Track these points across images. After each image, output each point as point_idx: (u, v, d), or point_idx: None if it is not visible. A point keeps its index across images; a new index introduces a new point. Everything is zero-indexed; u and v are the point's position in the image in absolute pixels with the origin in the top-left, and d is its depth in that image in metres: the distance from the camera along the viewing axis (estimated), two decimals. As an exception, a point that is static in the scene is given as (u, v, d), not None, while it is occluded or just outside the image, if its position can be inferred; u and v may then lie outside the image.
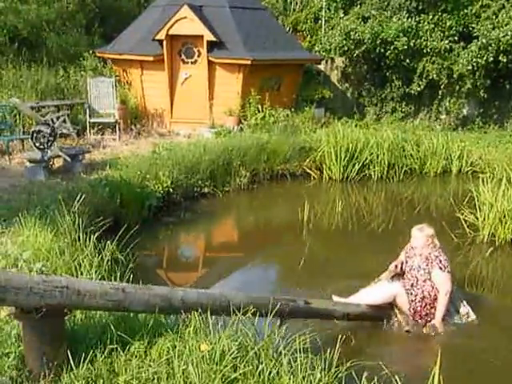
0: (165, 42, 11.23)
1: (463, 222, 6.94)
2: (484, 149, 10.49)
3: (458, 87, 12.25)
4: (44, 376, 2.94)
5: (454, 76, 11.93)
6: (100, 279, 4.15)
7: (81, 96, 11.32)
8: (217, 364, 3.00)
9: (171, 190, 7.52)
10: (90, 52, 12.47)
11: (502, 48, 11.15)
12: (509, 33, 10.96)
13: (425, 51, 12.04)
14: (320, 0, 14.50)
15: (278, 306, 3.83)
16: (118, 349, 3.11)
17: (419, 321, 4.69)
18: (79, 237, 4.87)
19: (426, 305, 4.66)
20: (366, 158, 9.69)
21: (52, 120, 8.13)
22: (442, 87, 12.43)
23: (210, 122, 11.24)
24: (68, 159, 8.13)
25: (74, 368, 2.97)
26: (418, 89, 12.47)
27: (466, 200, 7.59)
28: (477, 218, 6.97)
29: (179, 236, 7.30)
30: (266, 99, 11.03)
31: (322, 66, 13.90)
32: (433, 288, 4.64)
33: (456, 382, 3.80)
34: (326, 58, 13.55)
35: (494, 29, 11.33)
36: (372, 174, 9.80)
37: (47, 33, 13.06)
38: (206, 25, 11.14)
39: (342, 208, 8.00)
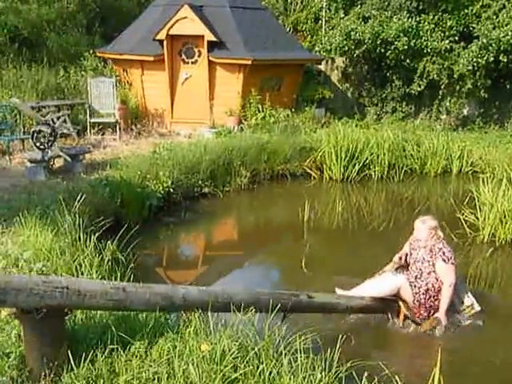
0: (165, 42, 11.23)
1: (463, 222, 6.93)
2: (484, 149, 10.48)
3: (458, 87, 12.24)
4: (44, 376, 2.94)
5: (455, 76, 11.92)
6: (101, 279, 4.15)
7: (81, 96, 11.33)
8: (217, 364, 3.00)
9: (172, 190, 7.52)
10: (91, 52, 12.47)
11: (502, 48, 11.14)
12: (509, 33, 10.96)
13: (425, 51, 12.03)
14: (320, 0, 14.50)
15: (281, 300, 3.83)
16: (119, 349, 3.11)
17: (423, 313, 4.68)
18: (80, 237, 4.87)
19: (430, 297, 4.64)
20: (367, 158, 9.69)
21: (52, 120, 8.14)
22: (442, 87, 12.42)
23: (210, 122, 11.25)
24: (68, 159, 8.13)
25: (74, 368, 2.97)
26: (419, 89, 12.46)
27: (467, 200, 7.59)
28: (477, 218, 6.97)
29: (180, 236, 7.30)
30: (266, 99, 11.03)
31: (322, 66, 13.91)
32: (437, 280, 4.62)
33: (456, 382, 3.80)
34: (327, 58, 13.55)
35: (494, 29, 11.32)
36: (372, 174, 9.80)
37: (48, 33, 13.08)
38: (207, 25, 11.14)
39: (343, 208, 8.01)
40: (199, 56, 11.53)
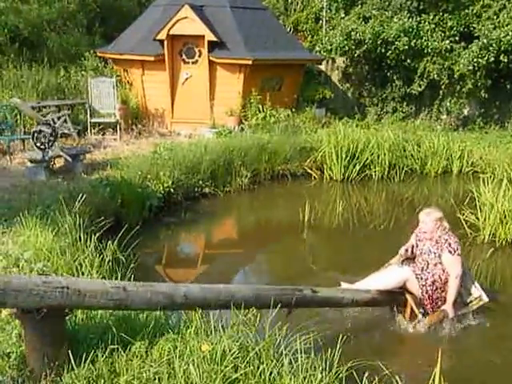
0: (166, 42, 11.23)
1: (464, 223, 6.93)
2: (485, 149, 10.48)
3: (458, 87, 12.25)
4: (45, 376, 2.94)
5: (455, 76, 11.93)
6: (101, 279, 4.15)
7: (82, 96, 11.32)
8: (218, 364, 3.00)
9: (172, 190, 7.52)
10: (91, 52, 12.46)
11: (502, 48, 11.13)
12: (510, 33, 10.95)
13: (426, 51, 12.02)
14: (321, 0, 14.49)
15: (284, 296, 3.81)
16: (119, 349, 3.11)
17: (431, 305, 4.66)
18: (80, 237, 4.87)
19: (436, 288, 4.62)
20: (367, 158, 9.69)
21: (53, 120, 8.14)
22: (442, 87, 12.42)
23: (210, 122, 11.24)
24: (69, 159, 8.14)
25: (75, 368, 2.98)
26: (419, 89, 12.46)
27: (467, 200, 7.59)
28: (477, 219, 6.97)
29: (180, 236, 7.30)
30: (266, 99, 11.03)
31: (322, 66, 13.91)
32: (444, 271, 4.60)
33: (457, 382, 3.80)
34: (327, 58, 13.54)
35: (494, 29, 11.32)
36: (373, 174, 9.80)
37: (48, 33, 13.07)
38: (207, 25, 11.14)
39: (343, 208, 8.01)
40: (200, 56, 11.53)
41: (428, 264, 4.68)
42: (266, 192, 8.92)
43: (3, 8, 12.52)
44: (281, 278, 6.19)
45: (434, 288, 4.63)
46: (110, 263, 4.58)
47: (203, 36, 11.09)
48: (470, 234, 6.83)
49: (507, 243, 6.72)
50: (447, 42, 11.92)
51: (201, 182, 8.18)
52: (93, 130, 10.65)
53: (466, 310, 4.75)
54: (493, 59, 11.28)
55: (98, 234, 5.01)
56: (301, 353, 3.20)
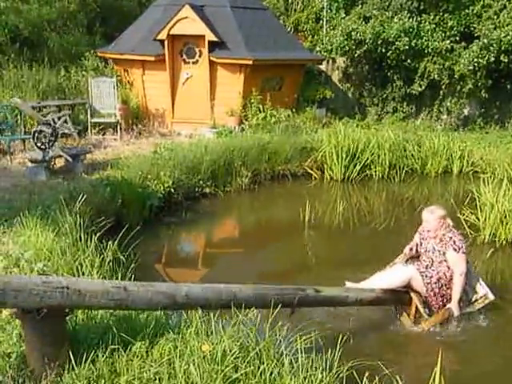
0: (166, 42, 11.23)
1: (464, 223, 6.92)
2: (485, 149, 10.48)
3: (459, 87, 12.25)
4: (45, 376, 2.94)
5: (456, 76, 11.92)
6: (102, 279, 4.15)
7: (82, 96, 11.32)
8: (218, 364, 3.00)
9: (172, 190, 7.52)
10: (92, 52, 12.46)
11: (503, 48, 11.13)
12: (510, 33, 10.95)
13: (426, 51, 12.02)
14: (321, 0, 14.49)
15: (287, 295, 3.80)
16: (120, 349, 3.11)
17: (436, 303, 4.65)
18: (81, 237, 4.87)
19: (442, 285, 4.61)
20: (367, 159, 9.69)
21: (53, 120, 8.14)
22: (443, 87, 12.42)
23: (211, 122, 11.24)
24: (69, 159, 8.14)
25: (75, 368, 2.98)
26: (420, 89, 12.46)
27: (467, 200, 7.59)
28: (478, 219, 6.97)
29: (181, 236, 7.31)
30: (267, 99, 11.02)
31: (323, 66, 13.90)
32: (449, 269, 4.60)
33: (457, 382, 3.80)
34: (328, 58, 13.53)
35: (495, 29, 11.32)
36: (373, 174, 9.80)
37: (48, 32, 13.08)
38: (208, 25, 11.13)
39: (344, 208, 8.01)
40: (200, 56, 11.53)
41: (433, 261, 4.68)
42: (267, 192, 8.92)
43: (3, 8, 12.53)
44: (281, 278, 6.19)
45: (440, 285, 4.62)
46: (111, 263, 4.58)
47: (204, 36, 11.08)
48: (471, 234, 6.83)
49: (507, 243, 6.72)
50: (447, 42, 11.92)
51: (201, 182, 8.18)
52: (93, 130, 10.65)
53: (471, 308, 4.73)
54: (493, 59, 11.28)
55: (98, 234, 5.01)
56: (301, 353, 3.20)
